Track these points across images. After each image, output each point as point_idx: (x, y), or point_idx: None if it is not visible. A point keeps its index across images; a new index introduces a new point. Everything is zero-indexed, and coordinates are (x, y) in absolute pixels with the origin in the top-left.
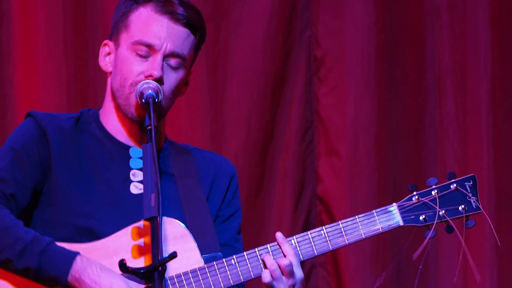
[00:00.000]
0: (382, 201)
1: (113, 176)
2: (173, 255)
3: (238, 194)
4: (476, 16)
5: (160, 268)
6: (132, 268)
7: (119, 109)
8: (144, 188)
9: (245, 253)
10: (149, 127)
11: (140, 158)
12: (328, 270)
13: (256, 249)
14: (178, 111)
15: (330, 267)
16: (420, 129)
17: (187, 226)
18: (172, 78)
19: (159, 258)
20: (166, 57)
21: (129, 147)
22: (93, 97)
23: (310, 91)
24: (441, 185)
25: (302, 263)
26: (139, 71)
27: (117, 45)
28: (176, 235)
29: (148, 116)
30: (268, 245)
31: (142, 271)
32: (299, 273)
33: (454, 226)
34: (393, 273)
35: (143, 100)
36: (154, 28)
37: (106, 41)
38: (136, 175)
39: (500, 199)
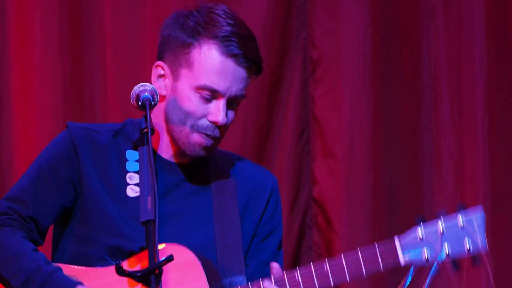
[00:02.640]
0: (378, 203)
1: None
2: (170, 259)
3: (278, 209)
4: (471, 17)
5: (156, 271)
6: (128, 271)
7: (173, 140)
8: (141, 191)
9: (249, 283)
10: (145, 130)
11: (136, 161)
12: None
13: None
14: None
15: None
16: (416, 130)
17: (215, 245)
18: (231, 118)
19: (156, 262)
20: (229, 99)
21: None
22: (89, 98)
23: (306, 92)
24: (448, 218)
25: (298, 265)
26: (202, 114)
27: (175, 75)
28: (186, 263)
29: (144, 118)
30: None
31: (138, 274)
32: None
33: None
34: (389, 273)
35: (139, 103)
36: (221, 72)
37: (159, 63)
38: (132, 178)
39: (495, 200)
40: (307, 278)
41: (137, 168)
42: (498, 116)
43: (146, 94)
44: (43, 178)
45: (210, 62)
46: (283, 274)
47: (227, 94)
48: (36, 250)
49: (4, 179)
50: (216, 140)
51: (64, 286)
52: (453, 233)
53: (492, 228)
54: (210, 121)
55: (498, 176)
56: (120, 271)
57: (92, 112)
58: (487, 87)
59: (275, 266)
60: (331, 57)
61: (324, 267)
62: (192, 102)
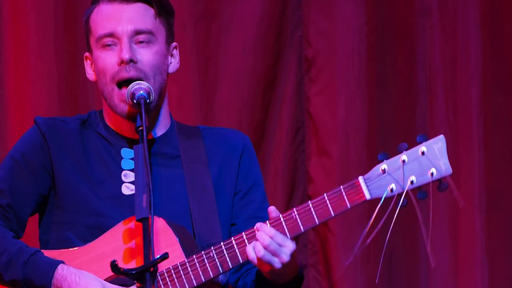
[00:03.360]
0: (373, 201)
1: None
2: (165, 256)
3: (254, 164)
4: (466, 16)
5: (152, 269)
6: (123, 269)
7: (112, 110)
8: (136, 189)
9: (222, 243)
10: (140, 128)
11: (132, 159)
12: (320, 271)
13: (233, 238)
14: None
15: (322, 267)
16: (411, 130)
17: (190, 213)
18: (147, 54)
19: (151, 259)
20: (132, 38)
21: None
22: (83, 97)
23: (301, 91)
24: (409, 150)
25: None
26: (113, 63)
27: (91, 52)
28: (157, 231)
29: (140, 116)
30: (243, 233)
31: (134, 271)
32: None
33: (411, 197)
34: (384, 271)
35: (135, 101)
36: (110, 16)
37: (85, 54)
38: (128, 176)
39: (491, 199)
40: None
41: (132, 166)
42: (493, 116)
43: (141, 92)
44: (17, 168)
45: (100, 14)
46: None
47: (125, 32)
48: (15, 237)
49: None
50: (136, 80)
51: (46, 264)
52: (415, 162)
53: (487, 228)
54: (119, 64)
55: (493, 175)
56: (115, 269)
57: (87, 110)
58: (482, 87)
59: (272, 209)
60: (326, 56)
61: (292, 216)
62: (100, 58)
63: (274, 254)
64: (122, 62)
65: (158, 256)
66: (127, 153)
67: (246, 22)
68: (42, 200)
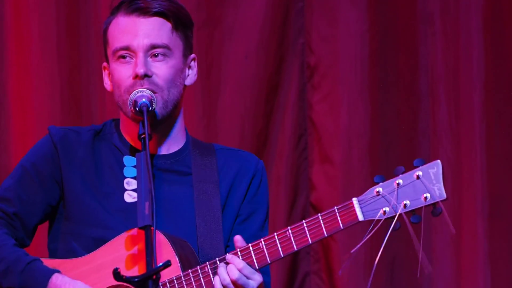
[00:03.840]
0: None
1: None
2: (167, 264)
3: (262, 191)
4: (469, 22)
5: (154, 277)
6: (126, 276)
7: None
8: (138, 196)
9: (217, 259)
10: (142, 136)
11: (134, 166)
12: (322, 278)
13: (207, 262)
14: None
15: (324, 275)
16: (413, 135)
17: (197, 229)
18: (162, 68)
19: (153, 267)
20: (147, 52)
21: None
22: (86, 101)
23: (304, 98)
24: (405, 174)
25: (296, 270)
26: (127, 75)
27: (108, 63)
28: (156, 244)
29: (142, 124)
30: (217, 259)
31: (136, 279)
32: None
33: (405, 220)
34: (386, 277)
35: (137, 109)
36: (127, 29)
37: (104, 64)
38: (130, 184)
39: (493, 205)
40: (270, 245)
41: (135, 174)
42: (495, 121)
43: (144, 100)
44: (26, 177)
45: (117, 26)
46: (248, 245)
47: (140, 46)
48: (17, 245)
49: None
50: (150, 94)
51: (42, 273)
52: (410, 185)
53: (489, 233)
54: (133, 78)
55: (496, 181)
56: (118, 277)
57: (89, 116)
58: (484, 92)
59: (238, 238)
60: (328, 63)
61: (286, 233)
62: (116, 70)
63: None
64: (136, 76)
65: (161, 264)
66: (129, 160)
67: (249, 29)
68: (50, 210)
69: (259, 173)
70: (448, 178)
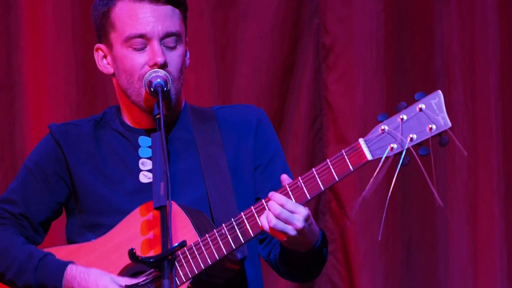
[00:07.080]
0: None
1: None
2: (183, 244)
3: (270, 137)
4: (484, 2)
5: (170, 257)
6: (141, 257)
7: (134, 105)
8: (154, 177)
9: (232, 219)
10: (158, 116)
11: (149, 147)
12: (338, 258)
13: (242, 213)
14: (187, 98)
15: (340, 255)
16: None
17: (208, 198)
18: (175, 58)
19: (169, 247)
20: (161, 40)
21: (140, 134)
22: (101, 85)
23: (319, 78)
24: (407, 108)
25: None
26: (142, 63)
27: (109, 46)
28: (172, 215)
29: (157, 104)
30: (252, 207)
31: (151, 260)
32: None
33: (414, 154)
34: (402, 258)
35: (152, 89)
36: (140, 16)
37: (97, 45)
38: (145, 164)
39: (509, 185)
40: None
41: (150, 154)
42: (511, 101)
43: (159, 80)
44: (30, 177)
45: (127, 12)
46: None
47: (156, 35)
48: (27, 242)
49: (17, 165)
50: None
51: (56, 267)
52: (414, 119)
53: (506, 213)
54: (151, 66)
55: None
56: (133, 257)
57: (104, 98)
58: (500, 72)
59: (285, 177)
60: (343, 43)
61: (298, 184)
62: (128, 58)
63: (286, 222)
64: (155, 64)
65: (176, 244)
66: (144, 141)
67: (264, 10)
68: (58, 207)
69: (262, 121)
70: (463, 158)
